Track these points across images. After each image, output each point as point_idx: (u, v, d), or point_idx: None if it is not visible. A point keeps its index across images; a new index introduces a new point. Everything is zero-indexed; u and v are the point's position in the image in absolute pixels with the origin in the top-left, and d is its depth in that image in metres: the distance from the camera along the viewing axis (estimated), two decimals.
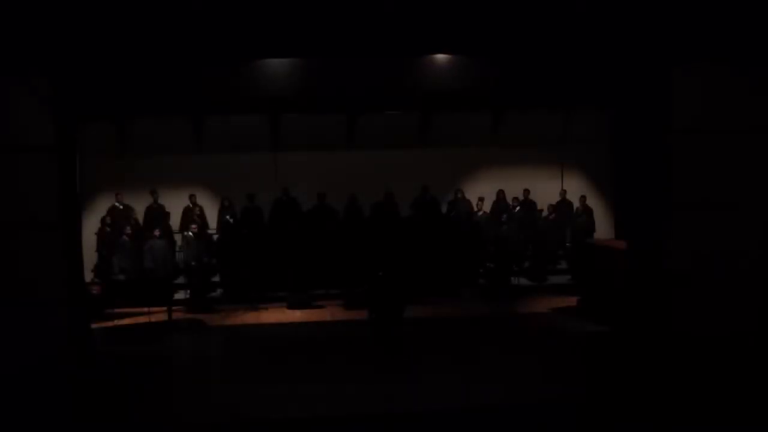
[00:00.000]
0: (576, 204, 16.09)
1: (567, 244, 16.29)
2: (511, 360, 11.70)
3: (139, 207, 15.64)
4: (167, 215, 15.66)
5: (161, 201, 15.77)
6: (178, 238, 15.40)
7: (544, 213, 15.88)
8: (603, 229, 16.31)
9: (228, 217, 15.21)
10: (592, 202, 16.38)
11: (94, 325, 12.53)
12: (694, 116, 11.48)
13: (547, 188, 16.65)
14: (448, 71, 11.58)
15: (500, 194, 16.45)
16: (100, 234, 15.04)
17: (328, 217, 15.26)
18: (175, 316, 13.70)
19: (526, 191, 16.48)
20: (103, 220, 15.21)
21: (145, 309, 13.88)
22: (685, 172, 11.55)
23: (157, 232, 14.55)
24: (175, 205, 15.90)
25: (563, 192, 16.59)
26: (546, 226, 15.67)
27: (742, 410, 9.57)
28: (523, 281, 15.55)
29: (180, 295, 14.79)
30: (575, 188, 16.71)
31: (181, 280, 15.00)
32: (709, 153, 11.58)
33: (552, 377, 10.89)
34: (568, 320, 13.59)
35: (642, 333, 11.85)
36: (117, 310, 13.61)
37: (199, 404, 10.21)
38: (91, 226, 15.02)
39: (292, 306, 14.57)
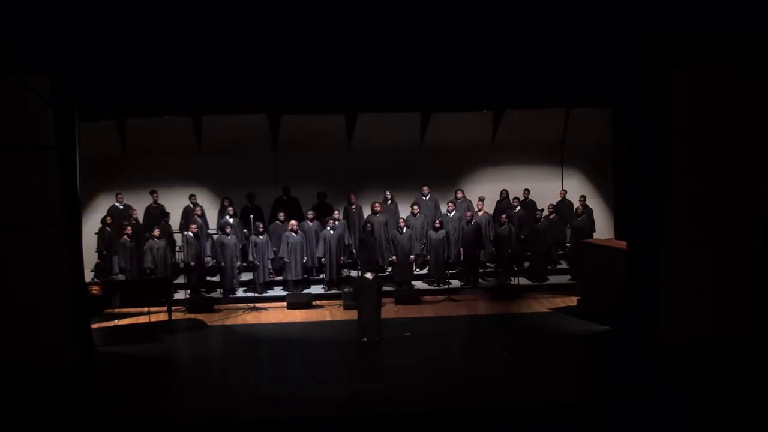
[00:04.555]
0: (576, 204, 16.08)
1: (567, 244, 16.30)
2: (511, 360, 11.71)
3: (139, 207, 15.63)
4: (167, 215, 15.66)
5: (161, 201, 15.77)
6: (178, 238, 15.40)
7: (545, 213, 15.87)
8: (603, 229, 16.32)
9: (228, 217, 15.21)
10: (592, 202, 16.37)
11: (94, 325, 12.53)
12: (691, 115, 11.50)
13: (547, 188, 16.65)
14: (448, 71, 11.56)
15: (503, 193, 16.44)
16: (100, 234, 15.05)
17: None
18: (175, 316, 13.70)
19: (526, 191, 16.47)
20: (103, 220, 15.22)
21: (145, 309, 13.89)
22: (683, 171, 11.57)
23: (157, 232, 14.55)
24: (175, 205, 15.89)
25: (563, 192, 16.59)
26: (546, 226, 15.67)
27: (740, 413, 9.58)
28: (523, 281, 15.56)
29: (180, 295, 14.81)
30: (575, 188, 16.70)
31: (181, 280, 15.02)
32: (707, 152, 11.61)
33: (552, 378, 10.90)
34: (568, 320, 13.60)
35: (640, 334, 11.86)
36: (117, 310, 13.60)
37: (199, 404, 10.22)
38: (91, 226, 15.00)
39: (292, 306, 14.58)
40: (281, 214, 15.25)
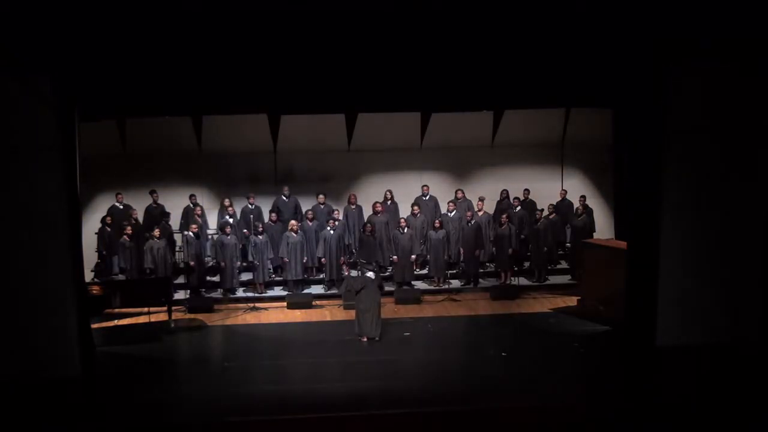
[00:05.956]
0: (576, 204, 16.08)
1: (567, 244, 16.30)
2: (511, 360, 11.71)
3: (139, 207, 15.63)
4: (167, 215, 15.66)
5: (161, 201, 15.77)
6: (178, 238, 15.40)
7: (545, 213, 15.87)
8: (603, 229, 16.31)
9: (228, 217, 15.22)
10: (592, 202, 16.37)
11: (94, 325, 12.53)
12: (691, 116, 11.50)
13: (547, 188, 16.65)
14: (448, 71, 11.56)
15: (503, 193, 16.43)
16: (100, 234, 15.05)
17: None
18: (175, 316, 13.71)
19: (526, 191, 16.47)
20: (103, 220, 15.22)
21: (145, 309, 13.90)
22: (683, 172, 11.56)
23: (157, 232, 14.56)
24: (175, 205, 15.89)
25: (563, 192, 16.59)
26: (546, 226, 15.67)
27: (738, 414, 9.59)
28: (523, 281, 15.56)
29: (180, 295, 14.81)
30: (575, 188, 16.70)
31: (181, 280, 15.01)
32: (707, 152, 11.60)
33: (552, 377, 10.90)
34: (568, 320, 13.60)
35: (640, 334, 11.86)
36: (117, 310, 13.60)
37: (199, 404, 10.22)
38: (91, 226, 15.00)
39: (292, 306, 14.58)
40: (273, 215, 15.25)
